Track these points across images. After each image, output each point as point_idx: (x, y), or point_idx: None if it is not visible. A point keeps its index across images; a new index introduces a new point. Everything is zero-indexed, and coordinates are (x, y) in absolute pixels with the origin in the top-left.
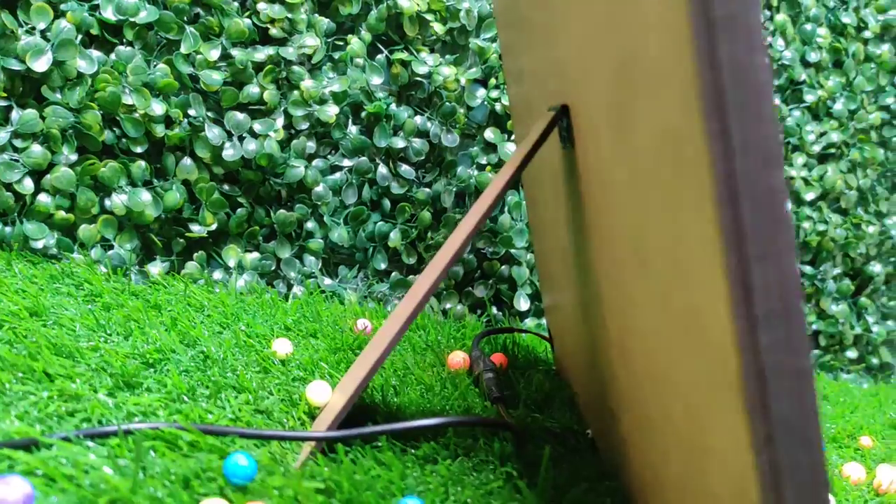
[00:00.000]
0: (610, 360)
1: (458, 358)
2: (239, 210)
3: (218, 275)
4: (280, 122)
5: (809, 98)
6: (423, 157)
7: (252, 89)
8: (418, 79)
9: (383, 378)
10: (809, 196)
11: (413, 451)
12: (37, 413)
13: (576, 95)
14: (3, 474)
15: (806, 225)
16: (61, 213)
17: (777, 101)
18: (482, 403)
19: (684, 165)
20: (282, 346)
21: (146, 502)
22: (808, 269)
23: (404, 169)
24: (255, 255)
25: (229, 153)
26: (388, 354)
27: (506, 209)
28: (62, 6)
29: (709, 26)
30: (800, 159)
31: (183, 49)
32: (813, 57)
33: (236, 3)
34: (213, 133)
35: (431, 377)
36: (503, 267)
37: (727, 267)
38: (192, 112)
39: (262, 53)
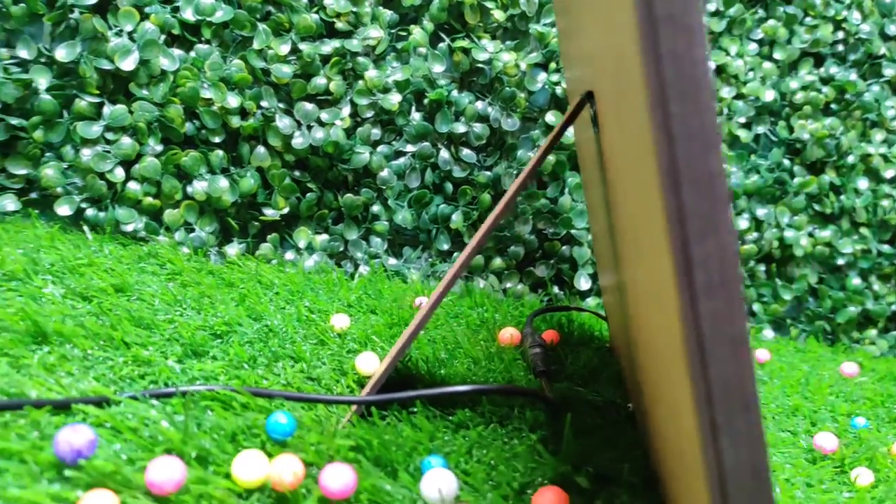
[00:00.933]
0: (635, 334)
1: (508, 334)
2: (309, 194)
3: (290, 255)
4: (346, 110)
5: (889, 72)
6: (484, 142)
7: (319, 81)
8: (479, 65)
9: (432, 350)
10: (889, 174)
11: (449, 417)
12: (112, 375)
13: (598, 83)
14: (74, 423)
15: (885, 203)
16: (148, 199)
17: (854, 75)
18: (526, 377)
19: (646, 154)
20: (339, 321)
21: (195, 451)
22: (886, 248)
23: (466, 153)
24: (325, 236)
25: (298, 141)
26: (420, 328)
27: (566, 190)
28: (147, 9)
29: (652, 24)
30: (878, 136)
31: (256, 45)
32: (892, 30)
33: (305, 0)
34: (283, 123)
35: (479, 351)
36: (564, 247)
37: (671, 244)
38: (264, 104)
39: (329, 46)
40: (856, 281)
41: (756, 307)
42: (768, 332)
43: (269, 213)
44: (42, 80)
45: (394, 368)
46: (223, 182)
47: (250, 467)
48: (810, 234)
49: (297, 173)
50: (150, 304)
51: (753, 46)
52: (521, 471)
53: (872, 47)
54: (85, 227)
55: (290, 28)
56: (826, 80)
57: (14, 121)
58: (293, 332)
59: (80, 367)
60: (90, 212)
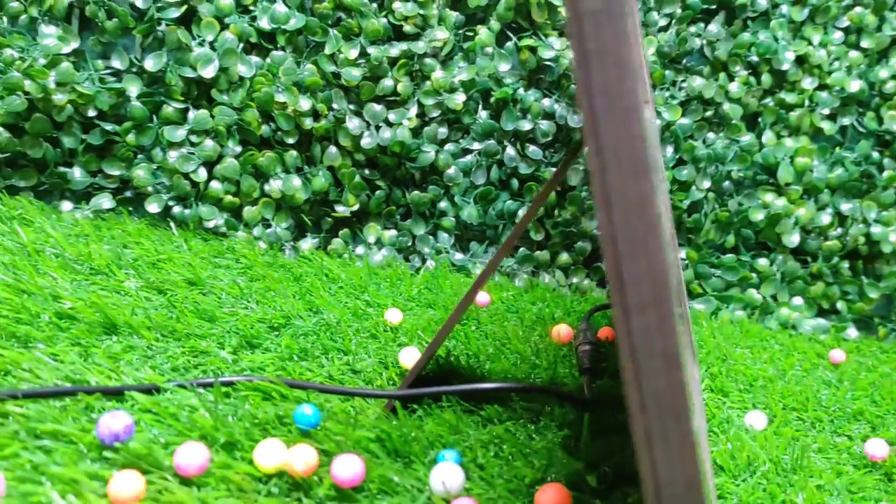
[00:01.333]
0: None
1: (561, 331)
2: (378, 192)
3: (360, 250)
4: (413, 111)
5: None
6: (550, 138)
7: (387, 82)
8: (546, 63)
9: (481, 346)
10: None
11: (480, 412)
12: (168, 365)
13: None
14: (115, 409)
15: None
16: (229, 197)
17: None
18: (572, 374)
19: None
20: (393, 316)
21: (224, 438)
22: None
23: (532, 150)
24: (393, 232)
25: (367, 141)
26: (452, 324)
27: None
28: (226, 19)
29: (585, 58)
30: None
31: (327, 50)
32: None
33: (374, 5)
34: (353, 124)
35: (529, 347)
36: None
37: (607, 263)
38: (335, 106)
39: (396, 49)
40: None
41: (840, 305)
42: (852, 332)
43: (341, 210)
44: (133, 89)
45: (435, 363)
46: (297, 181)
47: (269, 455)
48: None
49: (366, 172)
50: (218, 297)
51: (839, 35)
52: (536, 466)
53: None
54: (171, 224)
55: (359, 33)
56: None
57: (108, 126)
58: (347, 325)
59: (141, 356)
60: (176, 209)
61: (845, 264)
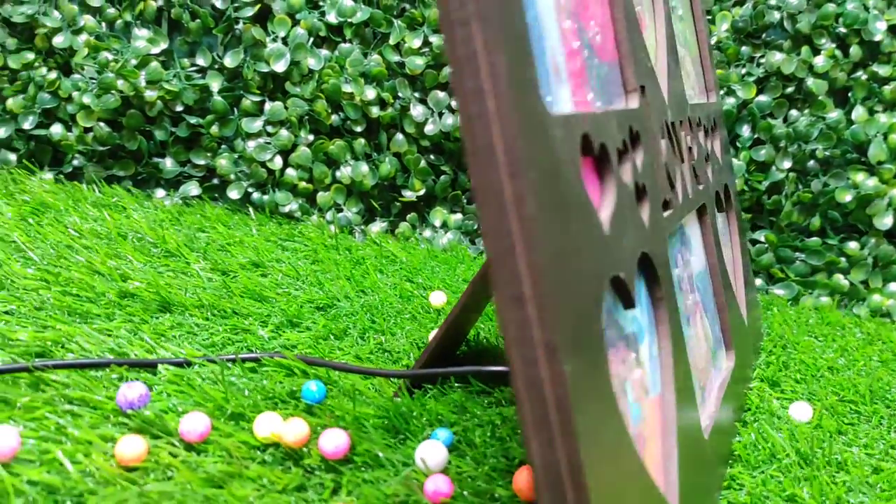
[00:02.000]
0: None
1: None
2: (443, 177)
3: (427, 233)
4: None
5: None
6: None
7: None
8: None
9: None
10: None
11: (492, 393)
12: (208, 341)
13: None
14: (132, 381)
15: None
16: (303, 184)
17: None
18: None
19: None
20: (437, 298)
21: (232, 409)
22: None
23: None
24: (459, 216)
25: (430, 128)
26: (460, 306)
27: None
28: (297, 15)
29: (457, 63)
30: None
31: (391, 40)
32: None
33: None
34: (417, 111)
35: None
36: None
37: (487, 257)
38: (399, 94)
39: None
40: None
41: None
42: None
43: (407, 195)
44: (215, 84)
45: (466, 343)
46: (365, 167)
47: (266, 426)
48: None
49: (431, 157)
50: (275, 279)
51: None
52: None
53: None
54: (250, 209)
55: (422, 22)
56: None
57: (194, 120)
58: (390, 306)
59: (186, 332)
60: (255, 195)
61: None
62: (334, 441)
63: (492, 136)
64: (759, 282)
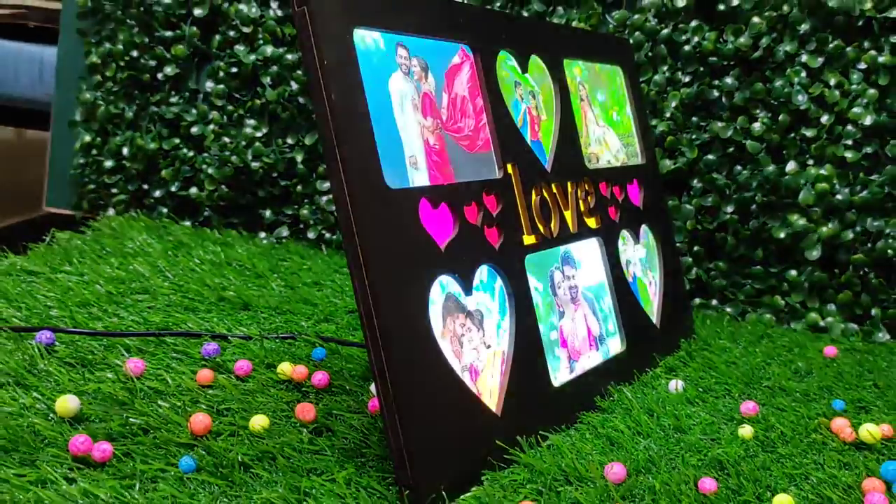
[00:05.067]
0: None
1: None
2: None
3: None
4: None
5: None
6: None
7: None
8: None
9: None
10: None
11: None
12: (265, 326)
13: None
14: (210, 342)
15: None
16: None
17: None
18: None
19: None
20: None
21: (269, 361)
22: None
23: None
24: None
25: None
26: None
27: None
28: None
29: (324, 110)
30: None
31: None
32: None
33: None
34: None
35: None
36: None
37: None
38: None
39: None
40: None
41: (874, 311)
42: (883, 335)
43: None
44: (299, 157)
45: None
46: None
47: (282, 369)
48: None
49: None
50: (326, 292)
51: (857, 76)
52: None
53: None
54: (322, 246)
55: None
56: None
57: (284, 182)
58: None
59: (253, 321)
60: (326, 235)
61: (874, 275)
62: (320, 378)
63: (345, 199)
64: (714, 301)
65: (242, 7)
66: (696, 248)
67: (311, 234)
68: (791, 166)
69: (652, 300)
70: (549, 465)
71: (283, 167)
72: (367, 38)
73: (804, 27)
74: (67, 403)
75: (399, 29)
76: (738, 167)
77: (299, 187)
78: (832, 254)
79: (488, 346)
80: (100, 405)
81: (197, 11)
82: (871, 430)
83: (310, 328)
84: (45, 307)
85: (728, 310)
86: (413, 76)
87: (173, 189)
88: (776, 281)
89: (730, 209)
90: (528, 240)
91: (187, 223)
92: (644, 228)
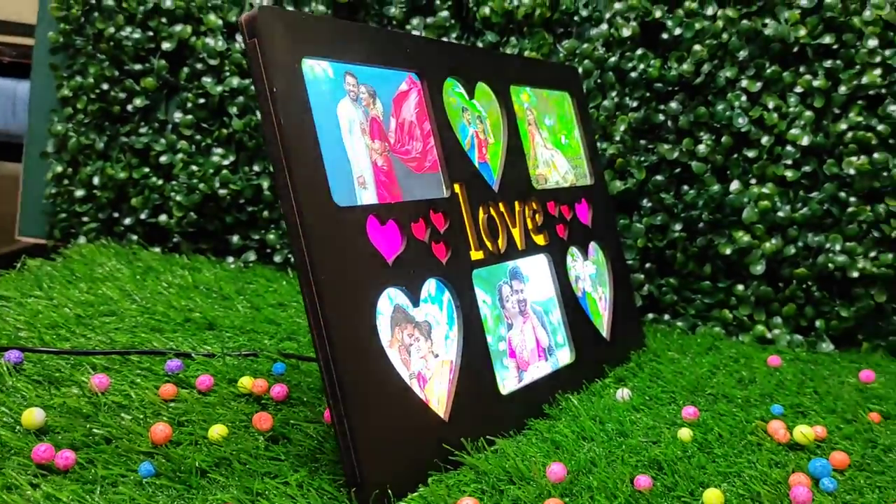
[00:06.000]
0: None
1: None
2: None
3: None
4: None
5: None
6: None
7: None
8: None
9: None
10: None
11: None
12: (229, 345)
13: None
14: (174, 359)
15: None
16: None
17: None
18: None
19: None
20: None
21: (231, 376)
22: None
23: None
24: None
25: None
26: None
27: None
28: None
29: (275, 131)
30: None
31: None
32: None
33: None
34: None
35: None
36: None
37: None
38: None
39: None
40: None
41: (817, 323)
42: (827, 345)
43: None
44: (265, 183)
45: None
46: None
47: (243, 383)
48: (874, 258)
49: None
50: (290, 312)
51: (794, 99)
52: None
53: None
54: (288, 269)
55: None
56: (883, 118)
57: (251, 208)
58: None
59: (218, 340)
60: (293, 259)
61: (816, 288)
62: (278, 390)
63: (295, 218)
64: (666, 316)
65: (209, 41)
66: (647, 265)
67: (277, 259)
68: (735, 185)
69: (602, 314)
70: (494, 467)
71: (250, 194)
72: (316, 67)
73: (743, 54)
74: (33, 416)
75: (347, 59)
76: (685, 187)
77: (266, 213)
78: (776, 268)
79: (437, 356)
80: (65, 418)
81: (165, 45)
82: (804, 432)
83: (272, 346)
84: (15, 329)
85: (679, 324)
86: (361, 102)
87: (143, 216)
88: (724, 295)
89: (678, 227)
90: (476, 255)
91: (157, 249)
92: (593, 246)
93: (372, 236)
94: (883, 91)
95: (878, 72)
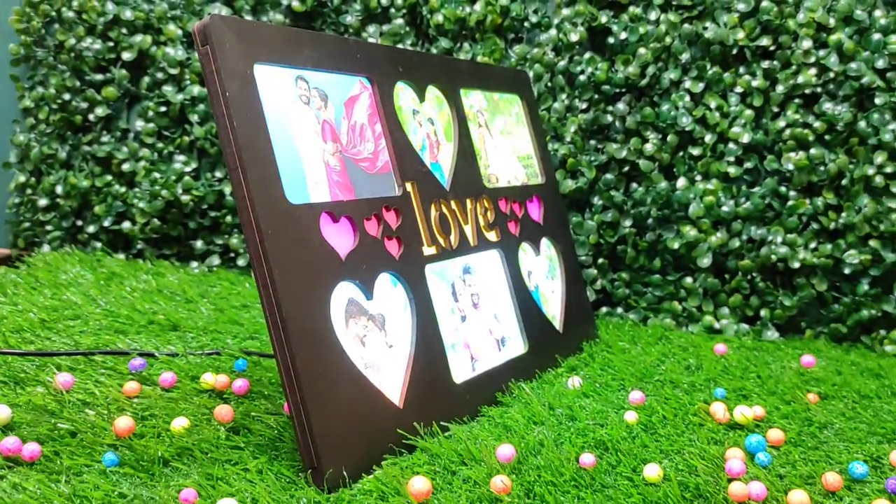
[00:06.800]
0: None
1: None
2: None
3: None
4: None
5: (879, 101)
6: None
7: None
8: None
9: None
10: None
11: None
12: (193, 344)
13: None
14: (137, 358)
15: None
16: None
17: (844, 108)
18: None
19: None
20: None
21: (194, 373)
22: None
23: None
24: None
25: None
26: None
27: None
28: None
29: (229, 135)
30: (879, 158)
31: None
32: (881, 64)
33: None
34: None
35: None
36: None
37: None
38: None
39: None
40: (866, 287)
41: (763, 312)
42: (772, 333)
43: None
44: (228, 189)
45: None
46: None
47: (206, 379)
48: (814, 249)
49: None
50: (252, 314)
51: (735, 98)
52: None
53: (863, 81)
54: (252, 272)
55: None
56: (819, 115)
57: (214, 213)
58: None
59: (181, 341)
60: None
61: (760, 279)
62: (240, 385)
63: (249, 215)
64: (619, 309)
65: (169, 50)
66: (600, 261)
67: (241, 262)
68: (681, 182)
69: (554, 307)
70: (446, 450)
71: (213, 199)
72: (268, 73)
73: (685, 56)
74: None
75: (298, 64)
76: (634, 185)
77: (228, 218)
78: (722, 261)
79: (391, 346)
80: (30, 414)
81: (126, 55)
82: (743, 413)
83: (235, 345)
84: None
85: (631, 316)
86: (313, 105)
87: (107, 224)
88: (674, 288)
89: (628, 223)
90: (429, 251)
91: (121, 256)
92: (545, 241)
93: (325, 233)
94: (818, 90)
95: (812, 71)
